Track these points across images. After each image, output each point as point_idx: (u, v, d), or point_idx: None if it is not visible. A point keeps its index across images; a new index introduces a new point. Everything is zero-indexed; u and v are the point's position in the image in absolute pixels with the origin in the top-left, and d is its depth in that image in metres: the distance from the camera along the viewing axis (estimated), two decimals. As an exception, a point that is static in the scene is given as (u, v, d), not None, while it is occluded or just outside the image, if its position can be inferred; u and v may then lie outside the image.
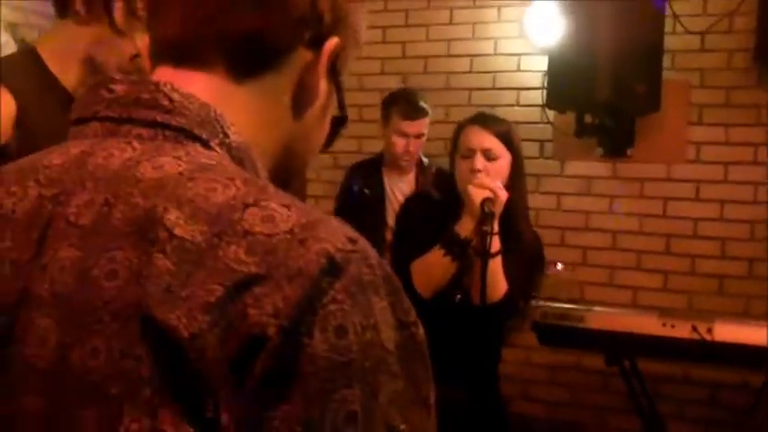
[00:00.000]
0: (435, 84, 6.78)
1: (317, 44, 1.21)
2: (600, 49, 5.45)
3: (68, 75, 2.83)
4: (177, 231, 0.99)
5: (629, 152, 6.34)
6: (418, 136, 5.74)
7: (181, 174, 1.05)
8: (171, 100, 1.13)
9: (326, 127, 1.33)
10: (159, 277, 0.97)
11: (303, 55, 1.21)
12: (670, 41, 5.96)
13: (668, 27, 5.90)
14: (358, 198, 5.95)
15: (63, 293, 1.02)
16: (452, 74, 6.97)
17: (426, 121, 5.73)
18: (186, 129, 1.12)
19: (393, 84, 7.04)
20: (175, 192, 1.03)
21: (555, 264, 5.72)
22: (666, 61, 5.96)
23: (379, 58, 7.24)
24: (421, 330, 1.04)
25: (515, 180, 3.90)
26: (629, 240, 6.40)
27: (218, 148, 1.14)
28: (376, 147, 6.54)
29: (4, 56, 3.09)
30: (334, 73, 1.27)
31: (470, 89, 6.85)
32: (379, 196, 5.91)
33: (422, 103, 5.76)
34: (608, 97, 5.50)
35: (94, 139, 1.14)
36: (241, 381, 0.94)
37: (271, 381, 0.94)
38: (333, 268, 0.97)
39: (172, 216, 1.00)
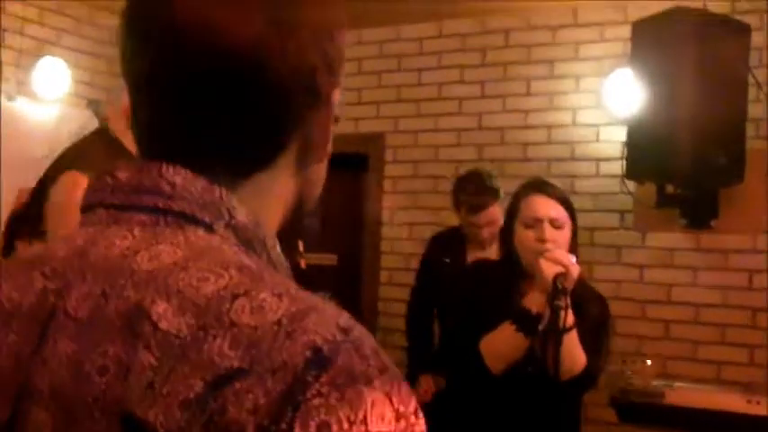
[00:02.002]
0: (512, 155, 6.79)
1: (320, 99, 1.18)
2: (680, 119, 5.43)
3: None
4: (162, 325, 0.96)
5: (712, 223, 6.20)
6: (489, 224, 5.62)
7: (175, 263, 1.03)
8: (172, 185, 1.10)
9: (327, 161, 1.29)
10: (142, 373, 0.94)
11: (308, 119, 1.18)
12: (753, 109, 5.84)
13: (751, 95, 5.78)
14: (439, 267, 5.86)
15: (60, 388, 1.00)
16: (529, 145, 6.96)
17: (495, 207, 5.59)
18: (187, 213, 1.10)
19: (469, 155, 7.13)
20: (166, 282, 1.01)
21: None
22: (750, 130, 5.83)
23: (455, 130, 7.29)
24: (421, 421, 0.98)
25: (574, 246, 3.83)
26: (712, 314, 6.27)
27: (222, 231, 1.11)
28: (451, 219, 6.50)
29: (80, 139, 3.17)
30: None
31: (549, 160, 6.82)
32: (461, 266, 5.76)
33: (491, 184, 5.64)
34: (689, 168, 5.46)
35: (98, 227, 1.13)
36: None
37: None
38: (319, 360, 0.93)
39: (159, 309, 0.98)
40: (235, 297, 0.97)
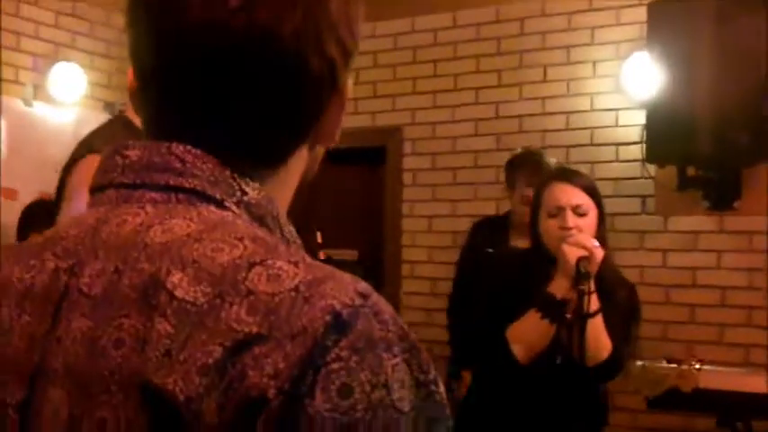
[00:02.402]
0: (531, 143, 6.71)
1: (338, 88, 1.19)
2: (699, 100, 5.42)
3: None
4: (178, 293, 0.97)
5: (735, 205, 6.12)
6: None
7: (188, 235, 1.04)
8: (183, 162, 1.11)
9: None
10: (159, 341, 0.95)
11: (327, 108, 1.19)
12: (775, 87, 5.75)
13: (771, 72, 5.71)
14: (481, 256, 5.71)
15: (74, 365, 1.01)
16: (548, 132, 6.93)
17: None
18: (198, 190, 1.10)
19: (487, 145, 7.13)
20: (180, 253, 1.02)
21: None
22: (772, 108, 5.74)
23: (473, 120, 7.26)
24: (441, 389, 0.99)
25: (601, 233, 3.83)
26: (738, 296, 6.22)
27: (234, 207, 1.11)
28: (469, 209, 6.49)
29: (100, 126, 3.20)
30: None
31: (568, 146, 6.79)
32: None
33: (546, 164, 5.55)
34: (710, 149, 5.44)
35: (109, 205, 1.13)
36: None
37: None
38: (338, 325, 0.93)
39: (174, 278, 0.99)
40: (251, 266, 0.98)
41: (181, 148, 1.11)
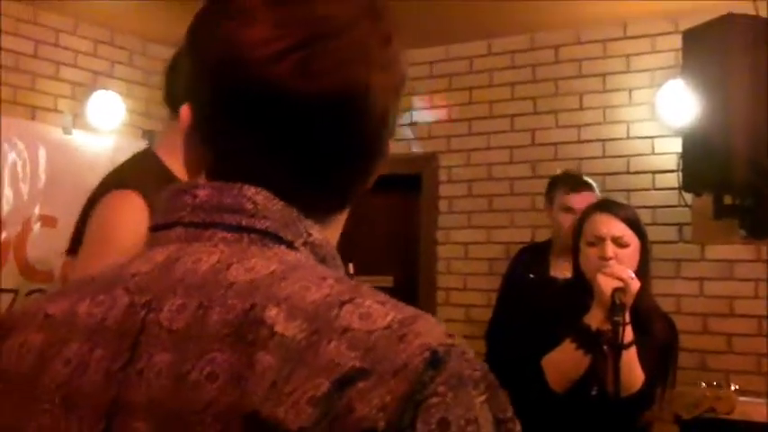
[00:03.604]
0: (566, 170, 6.64)
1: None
2: (735, 128, 5.38)
3: (184, 171, 2.85)
4: (278, 328, 1.00)
5: (773, 233, 6.07)
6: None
7: (273, 273, 1.07)
8: (255, 204, 1.13)
9: None
10: (263, 374, 0.97)
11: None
12: (810, 115, 5.74)
13: (808, 101, 5.69)
14: (523, 283, 5.79)
15: (160, 398, 1.02)
16: (584, 159, 6.94)
17: (594, 195, 5.52)
18: (271, 231, 1.13)
19: (523, 172, 7.16)
20: (271, 290, 1.04)
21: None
22: (808, 136, 5.72)
23: (508, 147, 7.30)
24: (518, 428, 1.03)
25: (643, 266, 3.81)
26: (776, 325, 6.19)
27: (302, 248, 1.15)
28: (505, 237, 6.48)
29: (126, 160, 3.17)
30: None
31: (604, 174, 6.77)
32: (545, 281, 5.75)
33: (586, 178, 5.66)
34: (746, 177, 5.39)
35: (178, 244, 1.15)
36: None
37: None
38: (435, 362, 0.98)
39: (272, 313, 1.01)
40: (341, 304, 1.02)
41: (252, 189, 1.13)
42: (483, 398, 1.00)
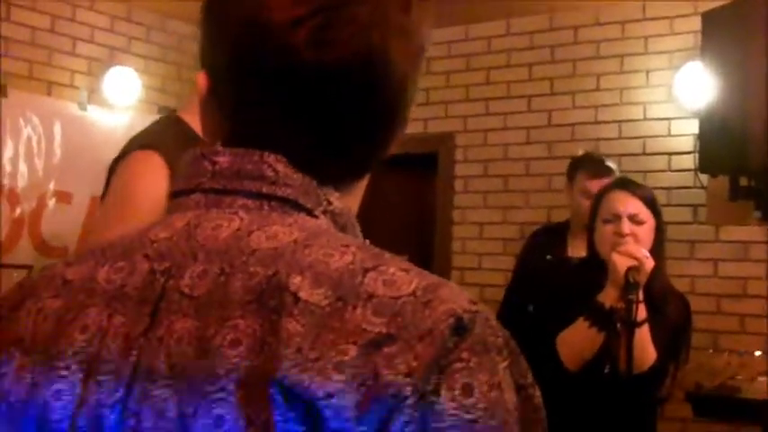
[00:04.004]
0: (583, 151, 6.66)
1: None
2: (753, 110, 5.35)
3: None
4: (302, 295, 1.01)
5: (787, 216, 6.11)
6: None
7: (295, 241, 1.08)
8: (276, 171, 1.14)
9: None
10: (289, 340, 0.98)
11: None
12: (827, 98, 5.78)
13: (825, 83, 5.72)
14: (539, 264, 5.78)
15: (181, 364, 1.03)
16: (601, 141, 6.96)
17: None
18: (291, 199, 1.14)
19: (539, 153, 7.19)
20: (294, 258, 1.05)
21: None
22: (825, 118, 5.77)
23: (525, 128, 7.33)
24: (538, 393, 1.06)
25: (658, 246, 3.86)
26: (789, 307, 6.21)
27: (322, 216, 1.15)
28: (520, 217, 6.57)
29: (152, 123, 3.17)
30: None
31: (620, 155, 6.78)
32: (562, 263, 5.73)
33: (608, 163, 5.65)
34: (763, 159, 5.37)
35: (197, 210, 1.15)
36: None
37: None
38: (460, 328, 0.99)
39: (296, 280, 1.02)
40: (365, 271, 1.03)
41: (273, 157, 1.14)
42: (505, 364, 1.02)
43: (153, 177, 2.74)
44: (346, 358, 0.96)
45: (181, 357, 1.03)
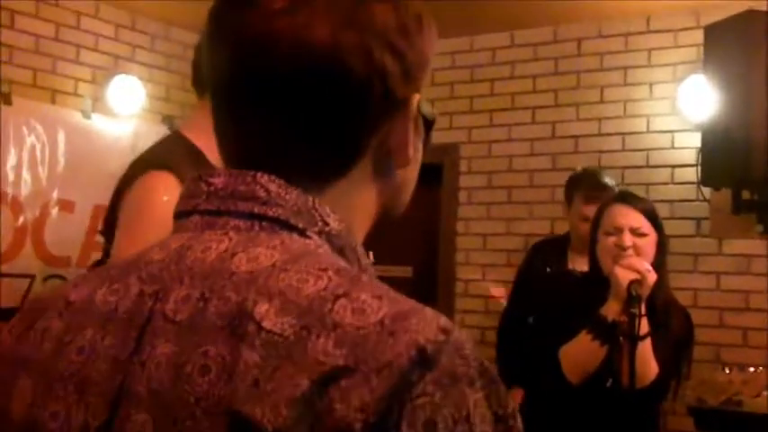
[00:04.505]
0: (586, 163, 6.73)
1: (397, 104, 1.21)
2: (755, 123, 5.35)
3: (211, 151, 2.82)
4: (266, 324, 1.00)
5: (789, 229, 6.15)
6: None
7: (273, 265, 1.07)
8: (268, 191, 1.14)
9: (419, 160, 1.31)
10: (247, 372, 0.98)
11: (385, 125, 1.21)
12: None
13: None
14: (539, 276, 5.74)
15: (159, 390, 1.03)
16: (604, 153, 7.02)
17: None
18: (282, 219, 1.13)
19: (543, 165, 7.22)
20: (267, 284, 1.04)
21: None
22: (828, 132, 5.82)
23: (529, 139, 7.37)
24: (519, 423, 1.03)
25: (659, 259, 3.87)
26: (791, 320, 6.22)
27: (315, 237, 1.14)
28: (524, 228, 6.65)
29: (157, 143, 3.17)
30: (419, 110, 1.25)
31: (623, 168, 6.87)
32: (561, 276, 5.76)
33: (607, 181, 5.63)
34: (765, 172, 5.40)
35: (193, 232, 1.16)
36: None
37: None
38: (423, 360, 0.96)
39: (262, 309, 1.02)
40: (336, 298, 1.01)
41: (265, 177, 1.14)
42: (480, 395, 0.99)
43: (171, 198, 2.70)
44: (298, 393, 0.95)
45: (159, 383, 1.03)
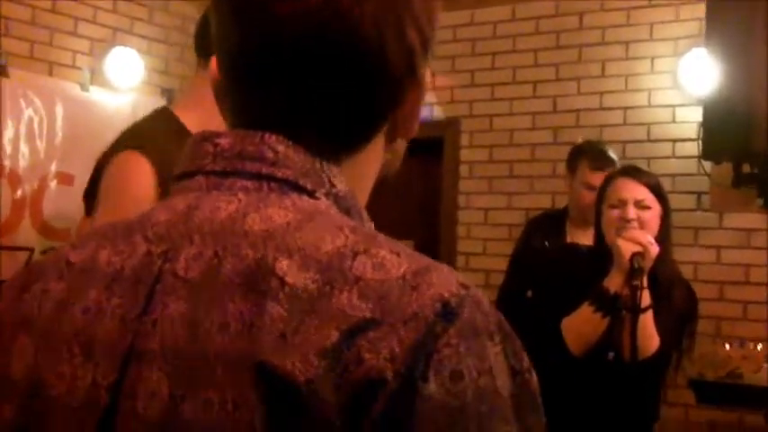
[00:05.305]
0: (588, 137, 6.69)
1: (417, 78, 1.23)
2: (756, 97, 5.37)
3: (199, 123, 2.84)
4: (289, 279, 1.02)
5: (790, 203, 6.21)
6: None
7: (288, 224, 1.08)
8: (276, 152, 1.15)
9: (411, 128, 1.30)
10: (273, 324, 0.99)
11: (405, 98, 1.23)
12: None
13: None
14: (537, 251, 5.84)
15: (174, 347, 1.04)
16: (606, 127, 7.08)
17: None
18: (291, 180, 1.14)
19: (544, 139, 7.28)
20: (285, 241, 1.06)
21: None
22: (828, 106, 5.89)
23: (530, 113, 7.43)
24: (534, 378, 1.05)
25: (664, 232, 3.97)
26: (791, 294, 6.28)
27: (324, 198, 1.15)
28: (525, 202, 6.80)
29: (141, 119, 3.22)
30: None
31: (624, 142, 6.92)
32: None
33: (610, 153, 5.71)
34: (766, 147, 5.43)
35: (199, 192, 1.16)
36: (357, 426, 0.96)
37: (388, 425, 0.96)
38: (447, 312, 0.99)
39: (283, 264, 1.03)
40: (355, 254, 1.03)
41: (273, 138, 1.15)
42: (498, 348, 1.01)
43: (138, 179, 2.85)
44: (327, 344, 0.97)
45: (173, 340, 1.04)
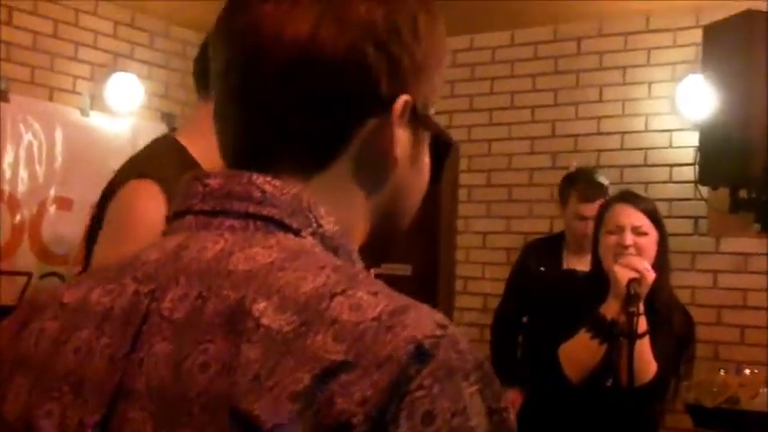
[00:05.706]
0: (586, 162, 6.87)
1: (382, 105, 1.22)
2: (753, 123, 5.49)
3: (206, 155, 2.84)
4: (264, 321, 1.03)
5: (786, 228, 6.22)
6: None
7: (272, 263, 1.10)
8: (263, 192, 1.16)
9: (425, 170, 1.33)
10: (248, 366, 1.01)
11: (369, 125, 1.22)
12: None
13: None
14: (533, 275, 5.93)
15: (158, 387, 1.06)
16: (603, 151, 7.12)
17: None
18: (276, 218, 1.16)
19: (542, 163, 7.29)
20: (266, 282, 1.07)
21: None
22: (825, 132, 5.92)
23: (529, 138, 7.46)
24: (512, 416, 1.06)
25: (661, 258, 3.99)
26: (788, 319, 6.30)
27: (310, 237, 1.16)
28: (524, 227, 6.83)
29: (145, 146, 3.17)
30: (417, 116, 1.25)
31: (622, 166, 6.97)
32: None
33: (601, 180, 5.79)
34: (762, 172, 5.50)
35: (189, 232, 1.18)
36: None
37: None
38: (421, 354, 0.99)
39: (260, 306, 1.05)
40: (333, 295, 1.04)
41: (261, 179, 1.17)
42: (474, 388, 1.02)
43: (148, 207, 2.79)
44: (301, 387, 0.98)
45: (158, 380, 1.06)
